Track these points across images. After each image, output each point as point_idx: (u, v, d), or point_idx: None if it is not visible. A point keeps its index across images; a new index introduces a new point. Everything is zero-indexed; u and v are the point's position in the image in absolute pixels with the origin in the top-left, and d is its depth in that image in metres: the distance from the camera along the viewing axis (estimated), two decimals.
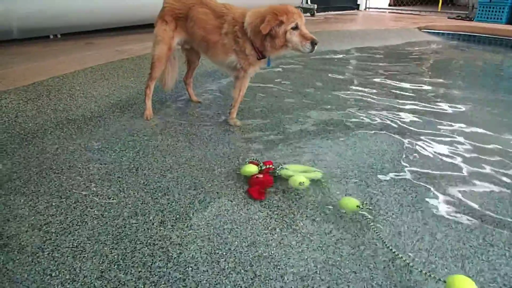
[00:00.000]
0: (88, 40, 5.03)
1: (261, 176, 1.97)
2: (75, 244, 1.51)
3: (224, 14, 2.48)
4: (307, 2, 8.49)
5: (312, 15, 8.57)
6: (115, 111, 2.95)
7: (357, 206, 1.69)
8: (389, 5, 11.60)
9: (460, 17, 8.31)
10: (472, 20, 7.77)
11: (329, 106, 3.18)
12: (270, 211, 1.76)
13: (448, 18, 8.47)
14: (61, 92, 3.01)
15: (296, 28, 2.24)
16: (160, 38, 2.67)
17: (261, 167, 2.02)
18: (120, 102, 3.12)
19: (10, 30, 4.41)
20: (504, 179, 2.07)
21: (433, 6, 9.97)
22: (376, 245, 1.54)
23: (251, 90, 3.56)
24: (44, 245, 1.50)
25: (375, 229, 1.60)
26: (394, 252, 1.46)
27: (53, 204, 1.77)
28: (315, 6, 8.48)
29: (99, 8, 5.13)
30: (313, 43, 2.24)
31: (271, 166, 2.02)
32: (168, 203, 1.81)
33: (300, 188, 1.87)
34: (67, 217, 1.68)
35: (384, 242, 1.52)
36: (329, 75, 4.27)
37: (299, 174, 1.90)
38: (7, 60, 3.67)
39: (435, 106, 3.21)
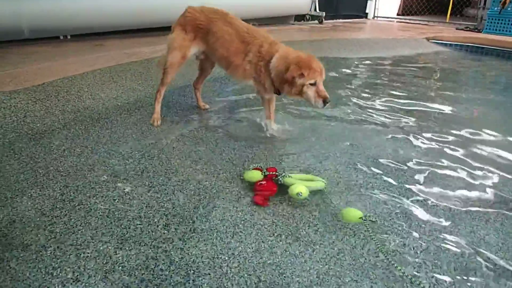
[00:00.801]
0: (98, 41, 5.08)
1: (264, 182, 1.98)
2: (79, 243, 1.53)
3: (250, 43, 2.52)
4: (315, 10, 8.52)
5: (320, 22, 8.60)
6: (122, 113, 2.97)
7: (360, 218, 1.68)
8: (397, 14, 11.61)
9: (468, 29, 8.29)
10: (481, 32, 7.75)
11: (334, 116, 3.18)
12: (275, 218, 1.76)
13: (457, 29, 8.46)
14: (69, 93, 3.04)
15: (314, 84, 2.33)
16: (176, 45, 2.69)
17: (264, 173, 2.03)
18: (128, 105, 3.14)
19: (21, 30, 4.48)
20: None
21: (442, 16, 9.97)
22: (377, 257, 1.53)
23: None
24: (47, 244, 1.52)
25: (377, 242, 1.59)
26: (396, 267, 1.45)
27: (58, 206, 1.79)
28: (323, 13, 8.51)
29: (109, 10, 5.19)
30: (325, 102, 2.34)
31: (274, 173, 2.02)
32: (173, 207, 1.81)
33: (298, 198, 1.86)
34: (71, 218, 1.69)
35: (386, 256, 1.51)
36: (338, 87, 4.27)
37: (300, 183, 1.90)
38: (18, 60, 3.72)
39: (439, 121, 3.21)
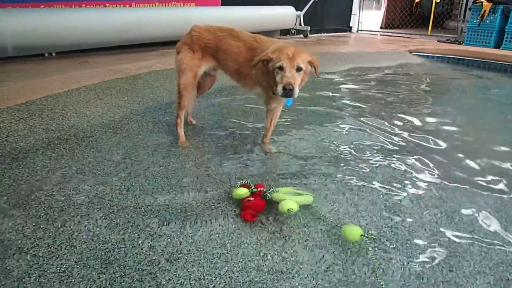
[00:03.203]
0: (83, 58, 5.06)
1: (252, 199, 1.96)
2: (63, 269, 1.49)
3: (256, 48, 2.49)
4: (300, 24, 8.64)
5: (306, 36, 8.72)
6: (108, 131, 2.95)
7: (361, 235, 1.67)
8: (381, 28, 11.85)
9: (449, 41, 8.50)
10: (461, 44, 7.96)
11: (319, 130, 3.21)
12: (261, 235, 1.76)
13: (438, 41, 8.67)
14: (54, 111, 3.01)
15: (281, 68, 2.17)
16: (186, 66, 2.64)
17: (252, 190, 2.02)
18: (113, 122, 3.12)
19: (5, 47, 4.43)
20: None
21: (423, 29, 10.21)
22: (366, 274, 1.54)
23: (245, 112, 3.60)
24: (30, 270, 1.48)
25: (375, 261, 1.59)
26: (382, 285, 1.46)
27: (41, 227, 1.75)
28: (308, 28, 8.63)
29: (94, 26, 5.18)
30: (284, 88, 2.09)
31: (262, 189, 2.02)
32: (158, 227, 1.79)
33: (289, 214, 1.85)
34: (55, 241, 1.66)
35: (377, 277, 1.52)
36: (323, 103, 4.32)
37: (289, 199, 1.90)
38: (1, 78, 3.67)
39: (425, 135, 3.26)
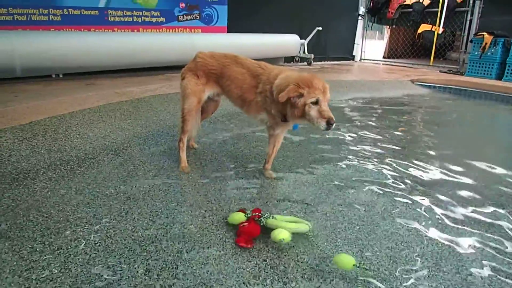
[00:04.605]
0: (89, 80, 5.15)
1: (246, 224, 1.96)
2: None
3: (260, 74, 2.52)
4: (304, 52, 8.81)
5: (309, 64, 8.87)
6: (109, 153, 2.96)
7: (354, 265, 1.65)
8: (383, 57, 12.04)
9: (451, 71, 8.60)
10: (463, 75, 8.05)
11: (320, 157, 3.21)
12: (259, 261, 1.73)
13: (440, 71, 8.77)
14: (57, 132, 3.04)
15: (316, 103, 2.20)
16: (190, 91, 2.68)
17: (247, 214, 2.01)
18: (115, 144, 3.14)
19: (13, 68, 4.53)
20: None
21: (425, 59, 10.35)
22: None
23: (245, 137, 3.62)
24: None
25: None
26: None
27: (37, 249, 1.74)
28: (312, 55, 8.79)
29: (101, 49, 5.31)
30: (329, 123, 2.16)
31: (257, 214, 2.00)
32: (156, 251, 1.77)
33: (281, 244, 1.83)
34: (50, 264, 1.64)
35: None
36: None
37: (284, 226, 1.88)
38: (9, 98, 3.73)
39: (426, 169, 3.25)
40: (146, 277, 1.60)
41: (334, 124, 2.19)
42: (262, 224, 1.94)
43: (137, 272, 1.62)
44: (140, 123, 3.66)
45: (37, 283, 1.51)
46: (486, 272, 1.76)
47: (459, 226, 2.15)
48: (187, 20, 7.00)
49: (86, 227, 1.94)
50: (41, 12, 5.45)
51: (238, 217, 2.00)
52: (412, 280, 1.66)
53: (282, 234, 1.82)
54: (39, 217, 2.01)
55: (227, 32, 7.59)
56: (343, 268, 1.67)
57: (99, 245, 1.80)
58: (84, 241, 1.82)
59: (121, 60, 5.58)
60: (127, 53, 5.58)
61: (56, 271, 1.59)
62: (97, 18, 5.99)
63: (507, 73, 7.30)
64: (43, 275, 1.56)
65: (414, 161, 3.16)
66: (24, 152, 2.71)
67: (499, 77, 7.43)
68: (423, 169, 2.99)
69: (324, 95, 2.22)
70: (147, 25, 6.51)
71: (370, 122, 4.53)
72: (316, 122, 2.19)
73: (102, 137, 3.22)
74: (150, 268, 1.65)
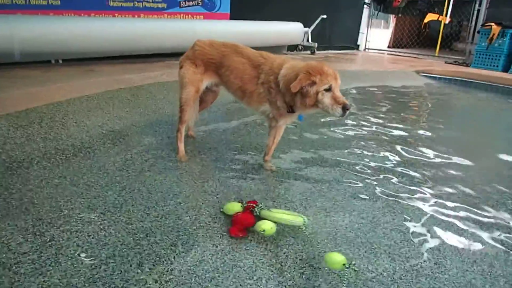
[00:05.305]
0: (89, 67, 5.06)
1: (240, 213, 1.93)
2: (44, 287, 1.43)
3: (262, 64, 2.44)
4: (308, 41, 8.66)
5: (313, 53, 8.73)
6: (106, 142, 2.90)
7: (343, 264, 1.59)
8: (388, 47, 11.87)
9: (457, 63, 8.47)
10: (469, 66, 7.92)
11: (322, 148, 3.15)
12: (256, 259, 1.69)
13: (446, 62, 8.63)
14: (53, 120, 2.97)
15: (329, 90, 2.15)
16: (188, 80, 2.61)
17: (243, 205, 1.98)
18: (112, 133, 3.08)
19: (12, 53, 4.45)
20: None
21: (431, 50, 10.19)
22: None
23: (245, 128, 3.56)
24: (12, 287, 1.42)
25: None
26: None
27: (29, 240, 1.69)
28: (316, 44, 8.64)
29: (102, 35, 5.21)
30: (345, 108, 2.12)
31: (252, 204, 1.96)
32: (149, 244, 1.73)
33: (263, 235, 1.81)
34: (41, 256, 1.60)
35: None
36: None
37: (278, 218, 1.86)
38: (6, 83, 3.65)
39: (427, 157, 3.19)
40: (139, 271, 1.56)
41: (350, 110, 2.16)
42: (256, 214, 1.91)
43: (130, 266, 1.58)
44: (139, 111, 3.60)
45: (25, 277, 1.47)
46: (488, 271, 1.71)
47: (462, 225, 2.09)
48: (189, 6, 6.86)
49: (79, 217, 1.90)
50: None
51: (234, 207, 1.98)
52: (411, 279, 1.62)
53: (264, 225, 1.80)
54: (31, 207, 1.96)
55: (230, 19, 7.46)
56: (333, 267, 1.62)
57: (92, 237, 1.75)
58: (76, 233, 1.77)
59: (122, 46, 5.48)
60: (128, 39, 5.48)
61: (46, 265, 1.55)
62: (97, 3, 5.87)
63: None
64: (33, 268, 1.52)
65: (417, 156, 3.10)
66: (19, 140, 2.65)
67: (506, 69, 7.31)
68: (426, 164, 2.93)
69: (336, 81, 2.17)
70: (148, 11, 6.39)
71: (373, 114, 4.45)
72: (332, 109, 2.15)
73: (99, 125, 3.15)
74: (143, 262, 1.61)
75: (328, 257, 1.66)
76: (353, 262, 1.62)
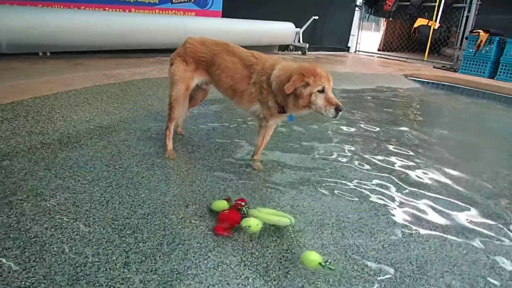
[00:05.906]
0: (78, 60, 5.00)
1: (227, 211, 1.94)
2: (27, 284, 1.41)
3: (253, 64, 2.44)
4: (299, 41, 8.69)
5: (304, 53, 8.77)
6: (93, 137, 2.87)
7: (319, 263, 1.60)
8: (378, 50, 11.99)
9: (445, 68, 8.59)
10: (456, 72, 8.04)
11: (311, 148, 3.17)
12: (243, 257, 1.69)
13: (434, 67, 8.75)
14: (40, 113, 2.93)
15: (322, 91, 2.17)
16: (178, 77, 2.60)
17: (231, 203, 2.00)
18: (100, 129, 3.05)
19: None
20: None
21: (420, 54, 10.31)
22: None
23: (235, 127, 3.55)
24: None
25: None
26: None
27: (11, 236, 1.67)
28: (307, 45, 8.69)
29: (92, 28, 5.15)
30: (338, 109, 2.15)
31: (240, 203, 1.98)
32: (135, 243, 1.72)
33: (247, 231, 1.82)
34: (24, 252, 1.58)
35: None
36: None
37: (264, 218, 1.87)
38: None
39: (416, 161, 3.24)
40: (125, 270, 1.55)
41: (342, 111, 2.19)
42: (243, 213, 1.92)
43: (115, 264, 1.57)
44: (128, 107, 3.57)
45: (8, 273, 1.45)
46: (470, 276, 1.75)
47: (449, 228, 2.13)
48: (181, 2, 6.82)
49: (64, 213, 1.88)
50: None
51: (221, 205, 2.00)
52: (393, 283, 1.64)
53: (249, 222, 1.81)
54: (14, 200, 1.93)
55: (222, 17, 7.44)
56: (309, 266, 1.63)
57: (77, 234, 1.73)
58: (61, 229, 1.75)
59: (111, 40, 5.43)
60: (118, 34, 5.42)
61: (29, 261, 1.53)
62: None
63: (500, 72, 7.31)
64: (16, 264, 1.50)
65: (404, 159, 3.14)
66: (4, 133, 2.60)
67: (492, 75, 7.44)
68: (413, 167, 2.97)
69: (329, 83, 2.20)
70: (139, 6, 6.34)
71: (361, 116, 4.49)
72: (325, 110, 2.17)
73: (87, 120, 3.12)
74: (128, 261, 1.60)
75: (304, 256, 1.66)
76: (329, 261, 1.63)
